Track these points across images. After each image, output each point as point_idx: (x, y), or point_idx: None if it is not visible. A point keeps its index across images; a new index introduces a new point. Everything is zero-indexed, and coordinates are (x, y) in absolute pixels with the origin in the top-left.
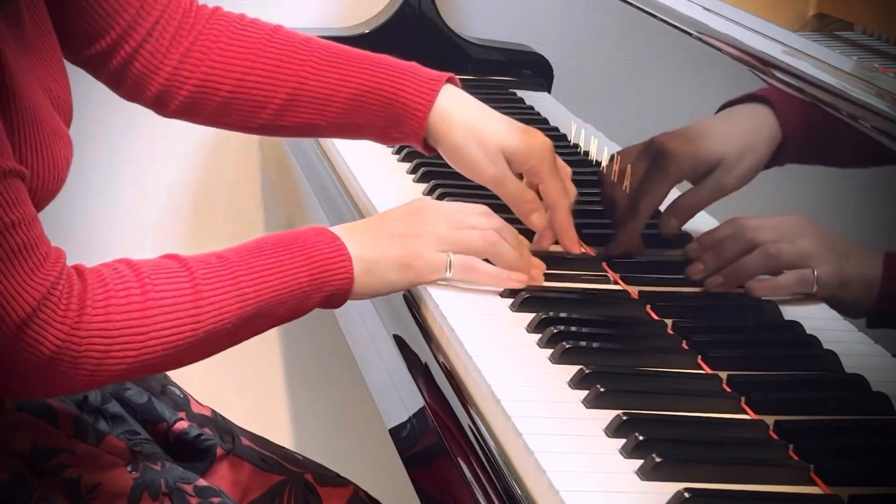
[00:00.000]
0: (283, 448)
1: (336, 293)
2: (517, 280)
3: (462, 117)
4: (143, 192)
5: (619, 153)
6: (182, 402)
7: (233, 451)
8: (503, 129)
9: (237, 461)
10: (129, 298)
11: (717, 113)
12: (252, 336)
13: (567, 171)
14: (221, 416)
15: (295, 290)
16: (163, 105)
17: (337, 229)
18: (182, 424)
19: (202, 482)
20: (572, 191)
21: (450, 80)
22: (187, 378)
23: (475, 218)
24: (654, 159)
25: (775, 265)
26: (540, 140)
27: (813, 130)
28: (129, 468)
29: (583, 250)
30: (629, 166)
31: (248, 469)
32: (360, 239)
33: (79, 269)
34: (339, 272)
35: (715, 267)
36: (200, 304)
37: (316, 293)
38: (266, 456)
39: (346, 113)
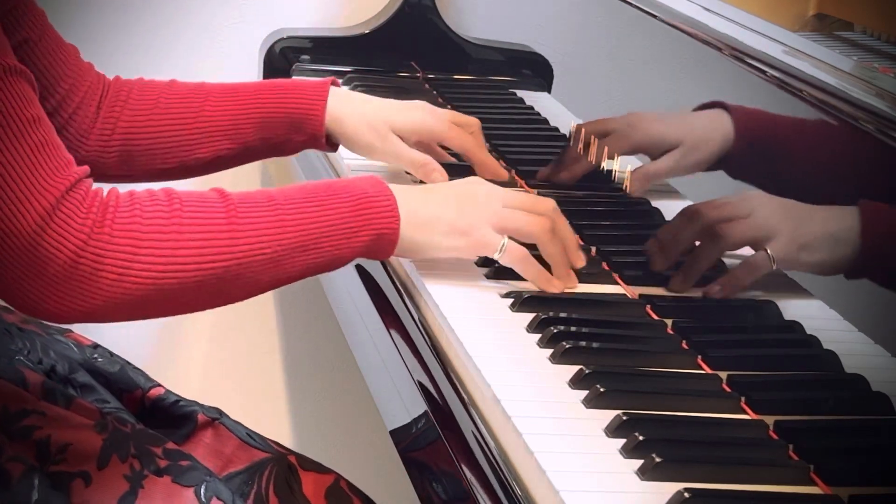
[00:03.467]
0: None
1: (383, 235)
2: (556, 286)
3: (351, 109)
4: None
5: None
6: None
7: (219, 420)
8: (388, 110)
9: (223, 431)
10: (155, 209)
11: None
12: (302, 274)
13: (470, 120)
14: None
15: (338, 223)
16: (100, 167)
17: (390, 185)
18: (159, 390)
19: (172, 445)
20: (476, 132)
21: (333, 83)
22: (186, 378)
23: (532, 201)
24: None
25: (730, 245)
26: (420, 108)
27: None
28: (97, 429)
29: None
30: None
31: (233, 442)
32: (414, 196)
33: (111, 190)
34: (384, 212)
35: (677, 255)
36: (235, 224)
37: (361, 231)
38: (253, 433)
39: (252, 132)
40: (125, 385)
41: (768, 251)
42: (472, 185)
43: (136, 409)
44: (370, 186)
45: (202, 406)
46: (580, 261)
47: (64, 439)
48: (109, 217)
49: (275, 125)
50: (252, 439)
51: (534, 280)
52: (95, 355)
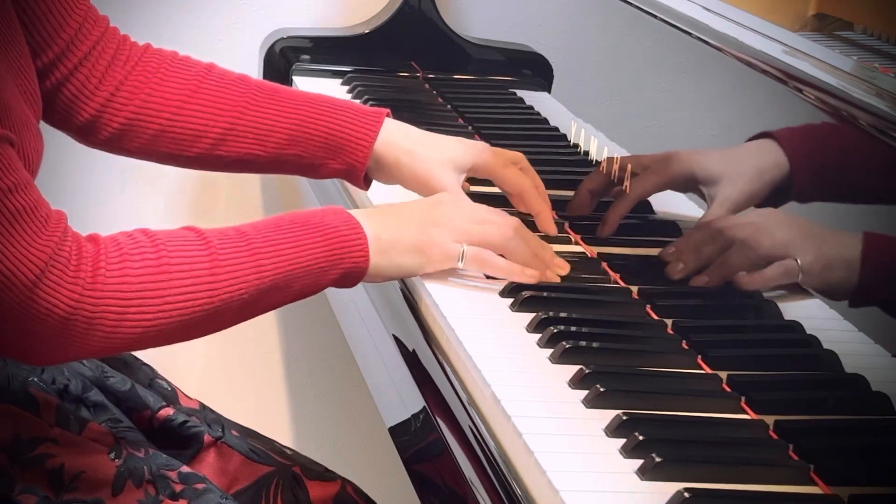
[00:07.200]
0: (273, 441)
1: (352, 271)
2: (530, 275)
3: (407, 139)
4: (143, 191)
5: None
6: (170, 396)
7: (222, 440)
8: (447, 143)
9: (226, 450)
10: (144, 262)
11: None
12: (269, 310)
13: (518, 156)
14: (211, 409)
15: (311, 265)
16: (91, 133)
17: (354, 211)
18: (167, 411)
19: (186, 469)
20: (530, 173)
21: (388, 115)
22: (186, 375)
23: (494, 215)
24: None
25: (757, 259)
26: (480, 146)
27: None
28: (111, 455)
29: (574, 245)
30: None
31: (236, 459)
32: (377, 221)
33: (94, 237)
34: (355, 250)
35: (696, 266)
36: (217, 273)
37: (332, 270)
38: (255, 447)
39: (285, 145)
40: (134, 405)
41: (798, 261)
42: (436, 204)
43: (145, 429)
44: (342, 223)
45: (208, 426)
46: (560, 268)
47: (77, 467)
48: (100, 277)
49: (310, 143)
50: (255, 454)
51: (506, 276)
52: (107, 372)
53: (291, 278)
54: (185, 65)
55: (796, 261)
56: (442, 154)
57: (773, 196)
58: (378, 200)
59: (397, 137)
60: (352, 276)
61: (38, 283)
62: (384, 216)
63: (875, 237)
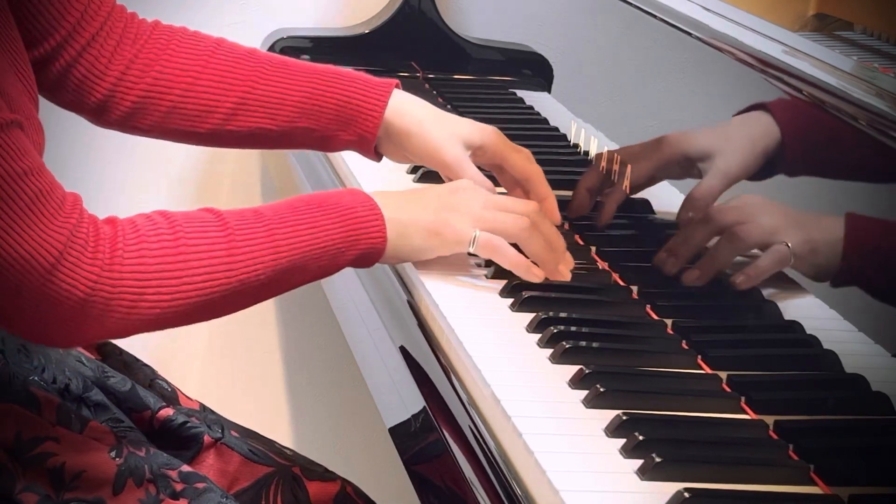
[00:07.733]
0: (273, 442)
1: (368, 252)
2: (536, 274)
3: (418, 109)
4: (144, 192)
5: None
6: (170, 396)
7: (221, 440)
8: (457, 119)
9: (226, 451)
10: (161, 243)
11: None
12: (286, 291)
13: (526, 151)
14: (211, 410)
15: (328, 246)
16: (105, 113)
17: (372, 193)
18: (167, 411)
19: (187, 468)
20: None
21: (396, 86)
22: (186, 375)
23: (513, 203)
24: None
25: (745, 247)
26: (490, 128)
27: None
28: (112, 454)
29: (577, 239)
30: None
31: (236, 459)
32: (394, 202)
33: (111, 219)
34: (373, 231)
35: (687, 260)
36: (234, 253)
37: (349, 250)
38: (255, 448)
39: (296, 118)
40: (134, 405)
41: (789, 245)
42: (455, 190)
43: (145, 429)
44: (359, 204)
45: (208, 427)
46: (566, 263)
47: (78, 466)
48: (118, 258)
49: (322, 114)
50: (255, 455)
51: (513, 268)
52: (107, 372)
53: (308, 259)
54: (194, 40)
55: (787, 245)
56: (452, 128)
57: (765, 169)
58: None
59: (408, 107)
60: (369, 256)
61: (56, 266)
62: (401, 198)
63: (863, 222)
